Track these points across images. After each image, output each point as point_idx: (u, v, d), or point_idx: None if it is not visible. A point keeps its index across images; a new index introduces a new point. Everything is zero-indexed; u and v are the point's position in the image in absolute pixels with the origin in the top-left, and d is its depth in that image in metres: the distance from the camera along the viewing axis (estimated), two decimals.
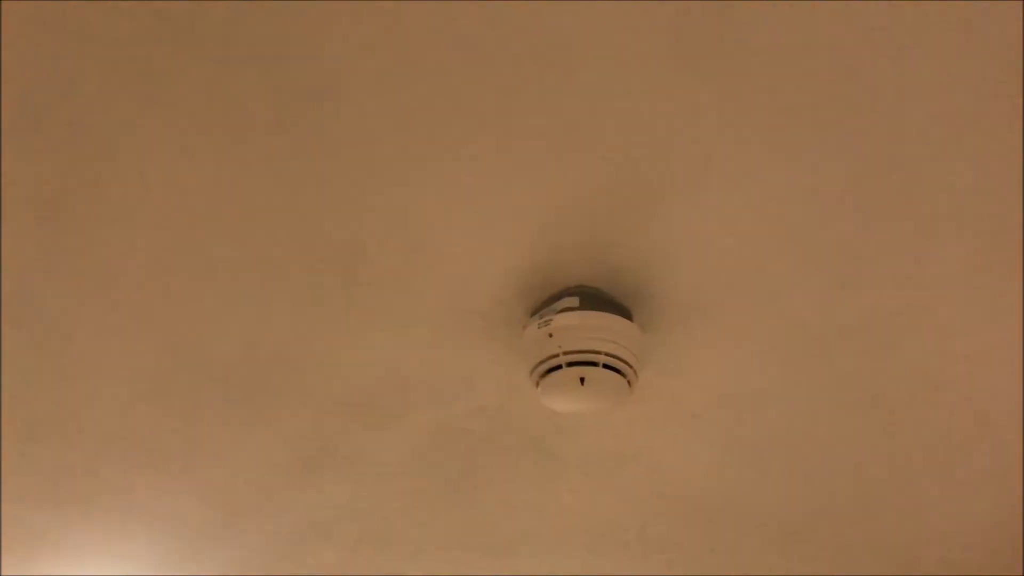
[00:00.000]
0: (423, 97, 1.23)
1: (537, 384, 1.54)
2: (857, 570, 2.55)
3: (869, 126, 1.27)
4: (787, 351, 1.69)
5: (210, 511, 2.24)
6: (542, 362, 1.51)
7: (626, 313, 1.56)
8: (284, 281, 1.53)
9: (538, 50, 1.17)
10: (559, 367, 1.49)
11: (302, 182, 1.35)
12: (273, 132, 1.27)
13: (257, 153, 1.30)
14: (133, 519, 2.26)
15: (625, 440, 1.97)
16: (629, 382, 1.52)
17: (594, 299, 1.54)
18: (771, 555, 2.46)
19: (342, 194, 1.37)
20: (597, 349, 1.48)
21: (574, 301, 1.52)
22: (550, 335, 1.49)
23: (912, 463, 2.04)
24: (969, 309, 1.59)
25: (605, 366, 1.48)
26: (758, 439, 1.96)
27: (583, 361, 1.48)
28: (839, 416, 1.87)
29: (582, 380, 1.48)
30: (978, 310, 1.59)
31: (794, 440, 1.96)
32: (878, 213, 1.41)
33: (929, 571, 2.55)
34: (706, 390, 1.80)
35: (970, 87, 1.21)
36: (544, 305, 1.57)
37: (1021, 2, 1.11)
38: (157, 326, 1.62)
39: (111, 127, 1.26)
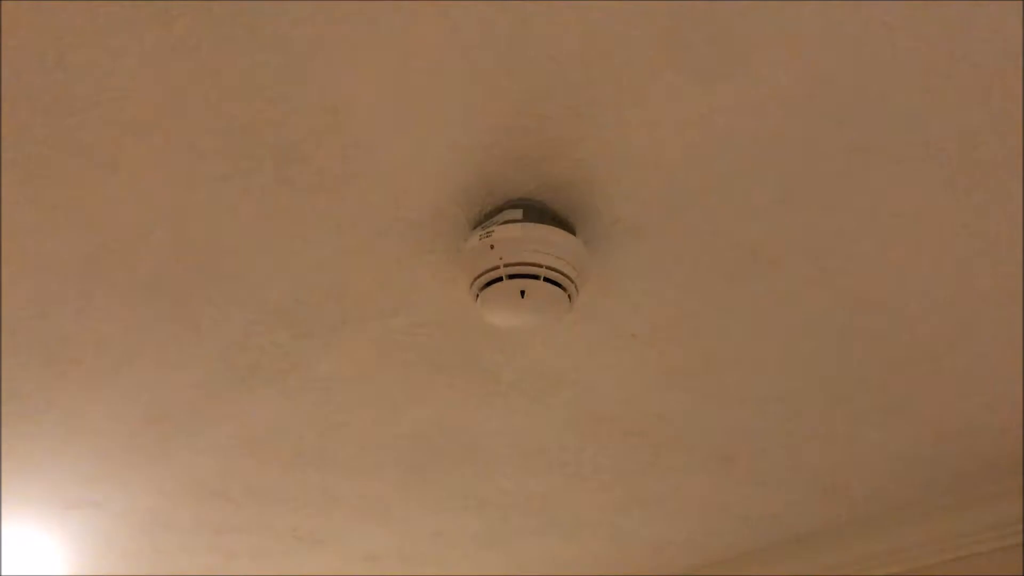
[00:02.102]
0: None
1: (477, 297, 1.51)
2: (786, 494, 2.62)
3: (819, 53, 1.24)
4: (728, 272, 1.69)
5: (140, 424, 2.18)
6: (483, 274, 1.48)
7: (569, 228, 1.53)
8: (216, 182, 1.46)
9: None
10: (500, 279, 1.46)
11: (233, 77, 1.28)
12: (199, 20, 1.19)
13: (182, 44, 1.22)
14: (59, 433, 2.20)
15: (563, 360, 1.97)
16: (570, 297, 1.50)
17: (537, 212, 1.51)
18: (702, 477, 2.51)
19: (275, 90, 1.30)
20: (539, 262, 1.45)
21: (517, 213, 1.49)
22: (491, 246, 1.46)
23: (845, 390, 2.08)
24: (909, 234, 1.60)
25: (546, 279, 1.46)
26: (695, 361, 1.97)
27: (524, 274, 1.45)
28: (776, 339, 1.89)
29: (523, 293, 1.46)
30: (918, 236, 1.60)
31: (732, 363, 1.97)
32: (825, 136, 1.39)
33: (855, 496, 2.64)
34: (645, 310, 1.80)
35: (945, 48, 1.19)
36: (486, 217, 1.53)
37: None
38: (79, 225, 1.54)
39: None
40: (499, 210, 1.51)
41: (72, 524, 2.74)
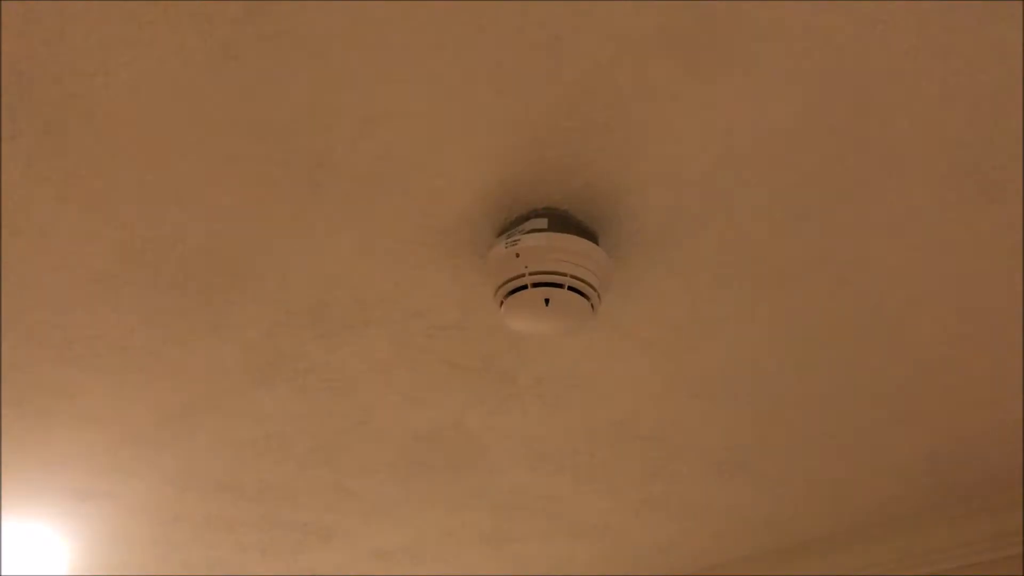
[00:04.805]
0: (391, 5, 1.19)
1: (501, 304, 1.54)
2: (793, 501, 2.65)
3: (831, 63, 1.27)
4: (744, 283, 1.72)
5: (156, 417, 2.21)
6: (507, 282, 1.51)
7: (593, 237, 1.56)
8: (246, 185, 1.49)
9: None
10: (524, 287, 1.49)
11: (271, 84, 1.31)
12: (240, 26, 1.22)
13: (223, 49, 1.25)
14: (80, 424, 2.23)
15: (580, 365, 1.99)
16: (592, 305, 1.53)
17: (562, 221, 1.53)
18: (711, 482, 2.54)
19: (311, 96, 1.33)
20: (563, 271, 1.48)
21: (542, 222, 1.52)
22: (517, 255, 1.48)
23: (853, 401, 2.10)
24: (923, 250, 1.63)
25: (570, 288, 1.49)
26: (709, 369, 2.00)
27: (549, 282, 1.48)
28: (789, 349, 1.92)
29: (547, 301, 1.49)
30: (930, 253, 1.63)
31: (744, 371, 2.00)
32: (842, 150, 1.42)
33: (859, 504, 2.67)
34: (662, 318, 1.82)
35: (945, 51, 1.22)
36: (511, 226, 1.56)
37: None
38: (110, 223, 1.57)
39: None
40: (524, 219, 1.54)
41: (84, 515, 2.77)
